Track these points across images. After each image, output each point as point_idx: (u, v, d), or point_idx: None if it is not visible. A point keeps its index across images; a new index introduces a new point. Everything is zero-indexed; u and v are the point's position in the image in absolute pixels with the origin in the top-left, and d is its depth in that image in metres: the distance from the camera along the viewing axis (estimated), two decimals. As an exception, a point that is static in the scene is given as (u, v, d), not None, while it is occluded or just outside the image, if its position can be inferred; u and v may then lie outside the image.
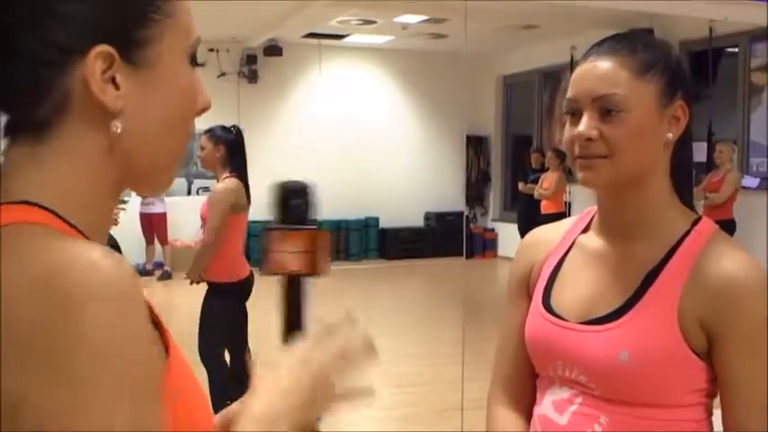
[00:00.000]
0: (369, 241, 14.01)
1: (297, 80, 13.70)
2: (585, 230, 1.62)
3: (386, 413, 5.75)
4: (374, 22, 11.78)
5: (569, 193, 12.27)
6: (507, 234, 13.64)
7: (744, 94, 10.04)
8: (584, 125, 1.44)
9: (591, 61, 1.47)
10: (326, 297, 8.04)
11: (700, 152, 10.25)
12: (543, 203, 11.81)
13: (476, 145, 15.05)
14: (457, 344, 7.99)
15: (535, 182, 12.04)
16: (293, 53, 13.24)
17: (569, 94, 1.49)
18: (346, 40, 13.21)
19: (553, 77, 13.76)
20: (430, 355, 7.40)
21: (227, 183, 4.92)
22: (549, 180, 11.71)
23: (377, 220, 14.06)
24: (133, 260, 11.95)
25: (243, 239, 5.15)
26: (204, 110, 0.96)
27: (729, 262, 1.40)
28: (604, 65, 1.45)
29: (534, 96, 14.29)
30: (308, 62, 13.59)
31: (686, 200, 1.54)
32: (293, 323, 1.15)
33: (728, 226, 8.51)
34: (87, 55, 0.84)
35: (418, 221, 14.53)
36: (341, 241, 13.72)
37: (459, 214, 14.53)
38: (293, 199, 1.17)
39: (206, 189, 11.76)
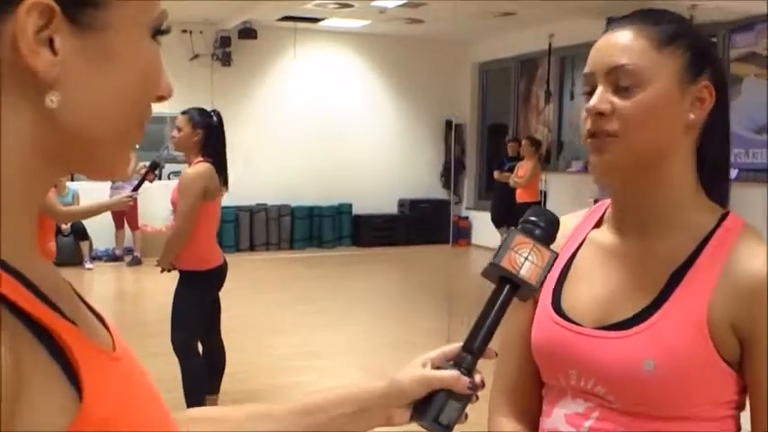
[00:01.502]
0: (342, 228, 13.86)
1: (271, 64, 13.50)
2: (598, 225, 1.47)
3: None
4: (351, 6, 11.61)
5: (544, 181, 12.21)
6: (481, 222, 13.57)
7: (723, 85, 9.94)
8: (596, 98, 1.30)
9: (610, 32, 1.34)
10: (300, 283, 7.97)
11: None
12: (518, 192, 11.75)
13: (454, 130, 14.93)
14: (433, 334, 7.89)
15: (510, 170, 11.98)
16: (268, 36, 13.05)
17: (586, 69, 1.36)
18: (322, 23, 13.03)
19: (530, 65, 13.67)
20: (407, 344, 7.26)
21: (198, 167, 4.74)
22: (524, 168, 11.65)
23: (350, 206, 13.91)
24: (102, 245, 11.76)
25: (216, 226, 4.98)
26: (163, 98, 0.80)
27: (761, 261, 1.26)
28: (623, 35, 1.32)
29: (511, 84, 14.19)
30: (283, 45, 13.40)
31: (716, 197, 1.39)
32: (478, 334, 1.14)
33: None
34: (19, 6, 0.66)
35: (392, 208, 14.39)
36: (314, 228, 13.57)
37: (434, 201, 14.46)
38: (554, 226, 1.20)
39: (177, 174, 11.57)
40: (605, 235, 1.44)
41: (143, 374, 0.81)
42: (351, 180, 13.89)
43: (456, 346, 1.15)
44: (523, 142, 11.95)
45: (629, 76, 1.28)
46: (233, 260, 5.05)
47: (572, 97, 12.96)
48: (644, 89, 1.28)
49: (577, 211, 1.56)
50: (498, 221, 12.52)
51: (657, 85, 1.28)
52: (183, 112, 4.83)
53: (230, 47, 12.90)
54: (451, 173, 14.88)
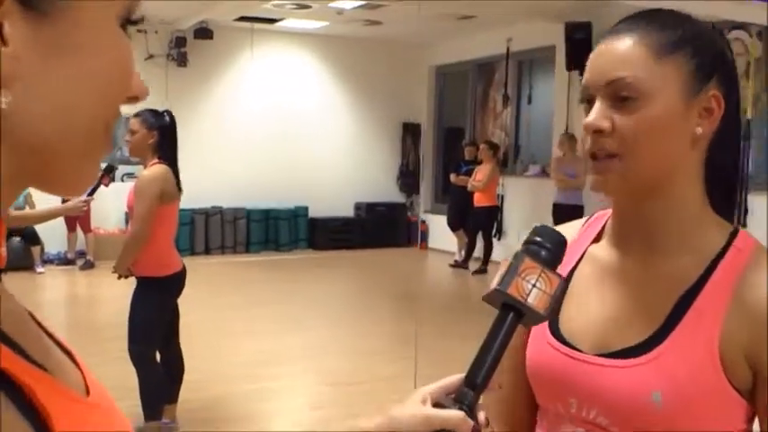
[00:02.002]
0: (298, 231, 13.74)
1: (228, 64, 13.34)
2: (596, 239, 1.38)
3: (323, 412, 5.52)
4: (309, 7, 11.51)
5: (502, 185, 12.23)
6: (437, 226, 13.53)
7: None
8: (594, 114, 1.20)
9: (608, 40, 1.23)
10: (257, 287, 7.84)
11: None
12: (476, 196, 11.76)
13: (411, 133, 14.91)
14: (390, 339, 7.83)
15: (467, 174, 11.97)
16: (224, 36, 12.90)
17: (583, 79, 1.25)
18: (279, 24, 12.90)
19: (488, 69, 13.68)
20: (364, 351, 7.18)
21: (154, 170, 4.61)
22: (482, 172, 11.65)
23: (306, 209, 13.79)
24: (54, 249, 11.52)
25: (174, 230, 4.84)
26: (135, 99, 0.67)
27: None
28: (622, 43, 1.21)
29: (468, 88, 14.17)
30: (240, 46, 13.25)
31: (724, 212, 1.30)
32: (482, 367, 1.05)
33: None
34: None
35: (348, 212, 14.30)
36: (270, 231, 13.43)
37: (391, 204, 14.41)
38: (562, 248, 1.11)
39: (131, 175, 11.36)
40: (605, 251, 1.34)
41: (121, 420, 0.70)
42: (307, 183, 13.77)
43: (457, 378, 1.06)
44: (481, 146, 11.95)
45: (630, 90, 1.18)
46: (188, 264, 4.93)
47: (529, 101, 13.00)
48: (646, 104, 1.18)
49: (572, 222, 1.46)
50: (454, 225, 12.51)
51: (661, 99, 1.18)
52: (136, 115, 4.68)
53: (186, 47, 12.72)
54: (410, 175, 14.86)
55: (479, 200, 11.78)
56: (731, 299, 1.18)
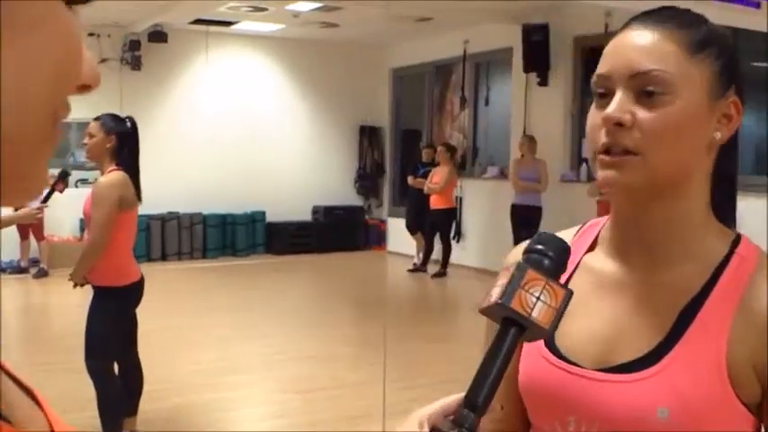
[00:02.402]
0: (256, 236, 13.60)
1: (183, 68, 13.16)
2: (591, 248, 1.31)
3: (286, 421, 5.42)
4: (264, 10, 11.39)
5: (460, 187, 12.20)
6: (397, 228, 13.48)
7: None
8: (615, 105, 1.13)
9: (632, 30, 1.17)
10: (214, 293, 7.73)
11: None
12: (433, 198, 11.73)
13: (370, 136, 14.84)
14: (352, 344, 7.75)
15: (425, 176, 11.93)
16: (179, 40, 12.73)
17: (599, 69, 1.17)
18: (235, 27, 12.77)
19: (445, 71, 13.65)
20: (326, 357, 7.09)
21: (112, 176, 4.49)
22: (439, 174, 11.61)
23: (263, 214, 13.66)
24: (7, 257, 11.28)
25: (132, 239, 4.72)
26: (87, 88, 0.57)
27: None
28: (649, 36, 1.14)
29: (425, 90, 14.14)
30: (195, 50, 13.08)
31: (726, 220, 1.25)
32: (482, 387, 0.96)
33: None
34: None
35: (306, 215, 14.19)
36: (227, 236, 13.28)
37: (349, 208, 14.34)
38: (565, 256, 1.03)
39: (84, 181, 11.17)
40: (602, 260, 1.27)
41: None
42: (264, 187, 13.64)
43: (456, 398, 0.98)
44: (439, 148, 11.91)
45: (658, 84, 1.12)
46: (145, 270, 4.80)
47: (487, 103, 12.99)
48: (672, 101, 1.12)
49: (565, 230, 1.37)
50: (412, 228, 12.46)
51: (687, 98, 1.13)
52: (96, 118, 4.56)
53: (140, 51, 12.51)
54: (368, 178, 14.80)
55: (436, 202, 11.74)
56: (737, 309, 1.13)
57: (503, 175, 11.91)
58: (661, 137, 1.12)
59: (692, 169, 1.17)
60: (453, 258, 11.93)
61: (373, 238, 14.46)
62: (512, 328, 0.98)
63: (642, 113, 1.12)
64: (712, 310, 1.14)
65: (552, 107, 11.01)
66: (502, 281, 1.00)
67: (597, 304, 1.23)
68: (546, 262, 1.01)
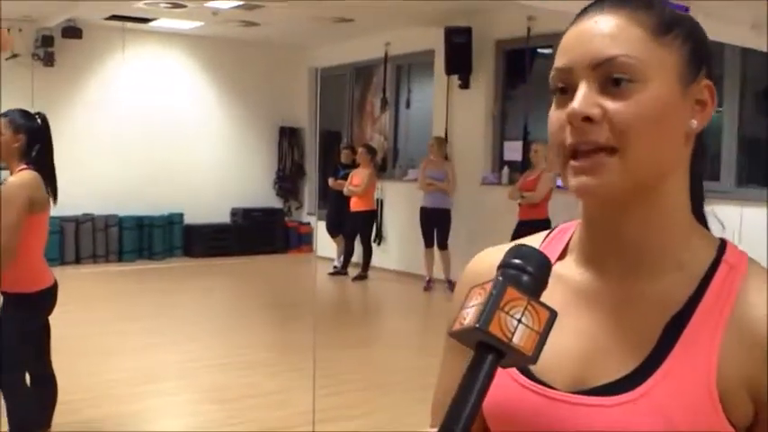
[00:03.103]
0: (173, 239, 13.29)
1: (98, 65, 12.78)
2: (561, 256, 1.17)
3: (208, 432, 5.25)
4: (183, 6, 11.11)
5: (380, 189, 12.13)
6: (323, 229, 13.33)
7: (558, 95, 10.12)
8: (579, 99, 1.00)
9: (590, 17, 1.04)
10: (132, 298, 7.47)
11: (515, 151, 10.32)
12: (353, 201, 11.65)
13: (290, 136, 14.67)
14: (273, 349, 7.59)
15: (345, 178, 11.83)
16: (94, 36, 12.37)
17: (557, 63, 1.05)
18: (153, 24, 12.45)
19: (366, 73, 13.59)
20: (248, 364, 6.91)
21: (22, 176, 4.27)
22: (359, 177, 11.53)
23: (181, 216, 13.37)
24: None
25: (44, 242, 4.49)
26: None
27: None
28: (610, 21, 1.02)
29: (346, 91, 14.04)
30: (111, 46, 12.73)
31: (702, 221, 1.14)
32: (458, 420, 0.86)
33: (544, 225, 8.54)
34: None
35: (225, 218, 13.94)
36: (144, 239, 12.95)
37: (269, 210, 14.15)
38: (546, 271, 0.93)
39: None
40: (574, 270, 1.14)
41: None
42: (182, 188, 13.35)
43: None
44: (360, 150, 11.82)
45: (625, 70, 1.00)
46: (58, 275, 4.57)
47: (408, 105, 12.95)
48: (643, 89, 1.00)
49: (530, 237, 1.24)
50: (333, 230, 12.34)
51: (658, 84, 1.00)
52: (3, 115, 4.35)
53: (53, 46, 12.11)
54: (288, 180, 14.63)
55: (357, 204, 11.65)
56: (727, 322, 1.01)
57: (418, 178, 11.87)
58: (637, 129, 0.99)
59: (672, 163, 1.06)
60: (374, 261, 11.85)
61: (294, 240, 14.29)
62: (488, 354, 0.87)
63: (612, 105, 1.00)
64: (700, 325, 1.02)
65: (474, 110, 11.02)
66: (476, 300, 0.89)
67: (571, 319, 1.10)
68: (525, 278, 0.91)
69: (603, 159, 1.00)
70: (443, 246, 10.65)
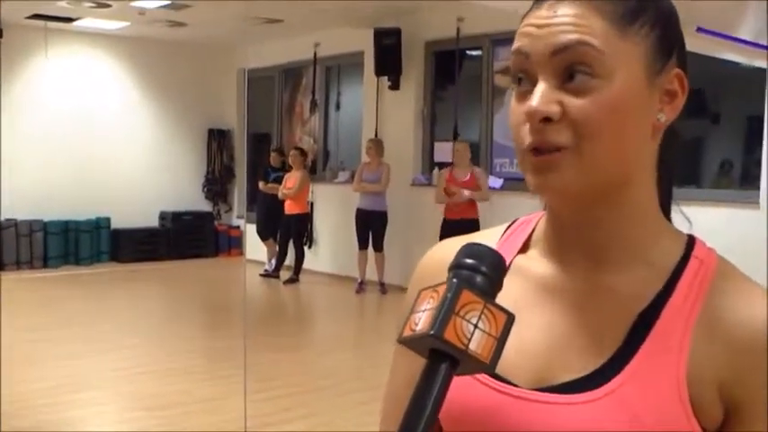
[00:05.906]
0: (100, 243, 13.04)
1: (19, 66, 12.45)
2: (523, 249, 1.13)
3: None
4: (108, 6, 10.90)
5: (312, 192, 12.08)
6: (252, 232, 13.24)
7: (487, 96, 10.20)
8: (537, 97, 0.95)
9: (544, 7, 0.98)
10: (58, 305, 7.27)
11: (446, 152, 10.36)
12: (287, 204, 11.59)
13: (218, 139, 14.52)
14: (205, 355, 7.49)
15: (277, 181, 11.75)
16: (15, 35, 12.06)
17: (515, 44, 0.99)
18: (77, 23, 12.19)
19: (295, 74, 13.53)
20: (179, 370, 6.81)
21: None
22: (292, 179, 11.48)
23: (108, 220, 13.13)
24: None
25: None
26: None
27: (748, 305, 0.98)
28: (569, 11, 0.96)
29: (275, 93, 13.94)
30: (33, 46, 12.42)
31: (665, 211, 1.10)
32: None
33: (472, 225, 8.60)
34: None
35: (153, 222, 13.73)
36: (70, 244, 12.67)
37: (198, 213, 13.99)
38: (501, 271, 0.88)
39: None
40: (537, 263, 1.09)
41: None
42: (109, 192, 13.10)
43: None
44: (292, 152, 11.77)
45: (585, 61, 0.94)
46: (-18, 283, 4.44)
47: (338, 107, 12.92)
48: (605, 84, 0.95)
49: (488, 230, 1.19)
50: (264, 234, 12.25)
51: (622, 77, 0.95)
52: None
53: (-29, 46, 11.81)
54: (217, 183, 14.48)
55: (291, 207, 11.60)
56: (698, 319, 0.98)
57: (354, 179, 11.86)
58: (599, 127, 0.95)
59: (637, 159, 1.02)
60: (305, 264, 11.79)
61: (224, 244, 14.15)
62: (442, 363, 0.82)
63: (571, 102, 0.95)
64: (670, 322, 0.99)
65: (404, 111, 11.04)
66: (428, 304, 0.84)
67: (534, 314, 1.05)
68: (479, 279, 0.85)
69: (563, 157, 0.96)
70: (378, 248, 10.64)
